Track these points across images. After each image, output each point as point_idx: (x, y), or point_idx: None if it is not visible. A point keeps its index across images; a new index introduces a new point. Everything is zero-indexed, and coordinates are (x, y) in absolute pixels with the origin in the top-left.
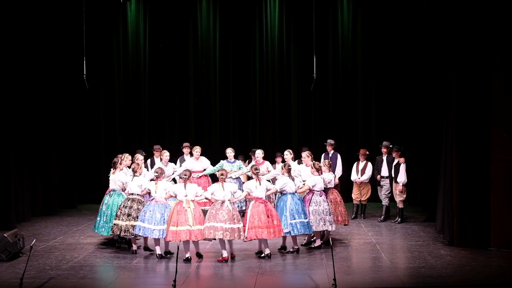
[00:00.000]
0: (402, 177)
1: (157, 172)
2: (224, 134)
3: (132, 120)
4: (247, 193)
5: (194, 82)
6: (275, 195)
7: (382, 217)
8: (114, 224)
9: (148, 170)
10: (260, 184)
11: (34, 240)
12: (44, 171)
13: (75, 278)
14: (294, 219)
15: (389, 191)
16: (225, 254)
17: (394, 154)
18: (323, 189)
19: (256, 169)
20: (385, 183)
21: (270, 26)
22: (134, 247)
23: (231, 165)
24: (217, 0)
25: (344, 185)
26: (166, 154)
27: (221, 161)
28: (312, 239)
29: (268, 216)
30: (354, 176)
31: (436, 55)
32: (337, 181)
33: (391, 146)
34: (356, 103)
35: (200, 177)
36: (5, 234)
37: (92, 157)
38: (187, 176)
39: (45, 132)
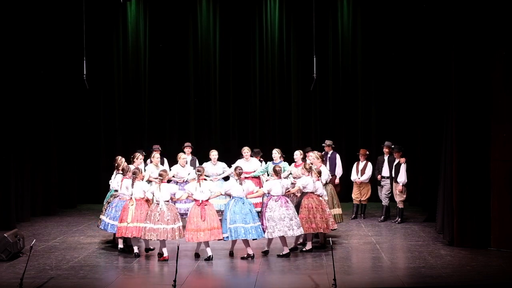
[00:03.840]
0: (402, 177)
1: (123, 170)
2: (224, 134)
3: (132, 120)
4: (188, 194)
5: (194, 82)
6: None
7: (382, 217)
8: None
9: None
10: (200, 186)
11: (34, 240)
12: (44, 171)
13: (75, 278)
14: (234, 223)
15: (389, 191)
16: (165, 253)
17: (395, 155)
18: (282, 194)
19: (198, 170)
20: (386, 183)
21: (270, 26)
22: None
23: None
24: (217, 0)
25: (344, 185)
26: (214, 153)
27: (268, 162)
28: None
29: (203, 220)
30: (354, 176)
31: (436, 55)
32: (337, 181)
33: (392, 146)
34: (356, 103)
35: (248, 177)
36: (5, 234)
37: (92, 157)
38: (135, 175)
39: (45, 132)
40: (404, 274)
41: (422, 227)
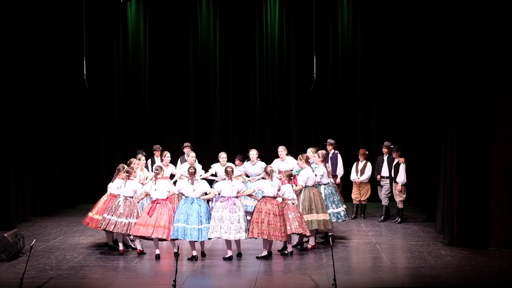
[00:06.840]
0: (401, 177)
1: (119, 169)
2: (224, 134)
3: (132, 120)
4: (145, 193)
5: (194, 82)
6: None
7: (382, 217)
8: None
9: (148, 170)
10: (155, 185)
11: (34, 240)
12: (44, 171)
13: (75, 278)
14: (177, 222)
15: (389, 191)
16: (120, 247)
17: (394, 154)
18: (232, 195)
19: (156, 169)
20: (385, 183)
21: (270, 26)
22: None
23: None
24: (217, 0)
25: (345, 185)
26: (252, 153)
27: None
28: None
29: (150, 215)
30: (353, 176)
31: (436, 55)
32: (338, 181)
33: (392, 146)
34: (356, 103)
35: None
36: (5, 234)
37: (92, 157)
38: (118, 172)
39: (45, 132)
40: (404, 274)
41: (422, 227)
